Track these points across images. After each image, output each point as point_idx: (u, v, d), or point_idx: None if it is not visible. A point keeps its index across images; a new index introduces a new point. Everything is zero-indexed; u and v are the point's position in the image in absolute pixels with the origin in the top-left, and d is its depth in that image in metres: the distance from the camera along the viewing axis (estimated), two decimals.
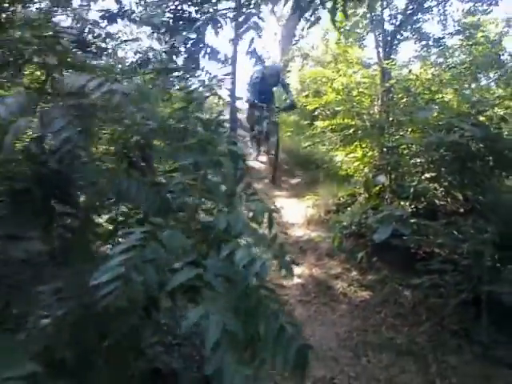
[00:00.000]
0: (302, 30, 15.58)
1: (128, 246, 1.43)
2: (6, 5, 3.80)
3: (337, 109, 7.85)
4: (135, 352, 2.03)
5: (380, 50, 8.51)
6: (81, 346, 1.71)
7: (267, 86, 9.09)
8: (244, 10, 3.07)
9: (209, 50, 4.78)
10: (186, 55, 4.97)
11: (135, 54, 6.65)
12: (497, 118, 5.92)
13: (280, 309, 1.55)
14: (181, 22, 4.89)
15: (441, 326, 4.68)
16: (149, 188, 1.86)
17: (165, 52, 4.75)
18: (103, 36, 4.84)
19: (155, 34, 5.20)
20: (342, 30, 9.83)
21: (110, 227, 2.48)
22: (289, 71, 14.28)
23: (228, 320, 1.37)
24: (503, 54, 8.81)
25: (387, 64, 7.60)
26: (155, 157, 2.14)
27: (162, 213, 1.72)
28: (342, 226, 6.72)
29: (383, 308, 5.09)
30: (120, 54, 6.61)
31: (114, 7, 5.13)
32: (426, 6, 9.30)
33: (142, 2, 5.06)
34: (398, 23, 8.79)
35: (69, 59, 2.07)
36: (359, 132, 7.09)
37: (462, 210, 6.31)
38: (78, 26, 4.22)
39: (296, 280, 5.52)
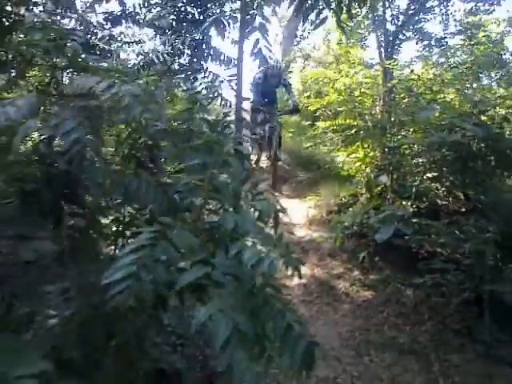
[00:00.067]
0: (303, 30, 15.62)
1: (138, 245, 1.45)
2: (9, 8, 3.83)
3: (339, 109, 7.86)
4: (141, 352, 2.05)
5: (382, 50, 8.53)
6: (88, 346, 1.73)
7: (269, 86, 8.89)
8: (249, 10, 3.08)
9: (212, 51, 4.82)
10: (189, 57, 5.01)
11: (137, 55, 6.68)
12: (499, 118, 5.94)
13: (287, 307, 1.57)
14: (184, 24, 4.92)
15: (443, 325, 4.69)
16: (157, 188, 1.88)
17: (168, 54, 4.77)
18: (107, 38, 4.86)
19: (158, 36, 5.22)
20: (345, 30, 9.83)
21: (115, 228, 2.51)
22: (290, 72, 14.29)
23: (238, 318, 1.39)
24: (505, 54, 8.82)
25: (389, 64, 7.61)
26: (163, 157, 2.17)
27: (171, 213, 1.75)
28: (344, 226, 6.74)
29: (385, 307, 5.11)
30: (122, 55, 6.66)
31: (118, 9, 5.20)
32: (427, 5, 9.31)
33: (146, 4, 5.09)
34: (399, 23, 8.80)
35: (80, 61, 2.09)
36: (361, 132, 7.11)
37: (463, 210, 6.34)
38: (82, 28, 4.25)
39: (298, 280, 5.53)
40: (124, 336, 1.76)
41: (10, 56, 3.37)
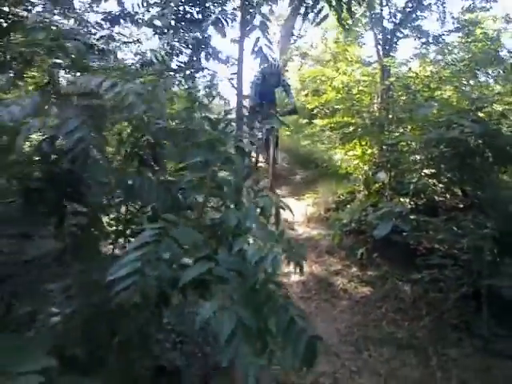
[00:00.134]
0: (300, 29, 15.63)
1: (142, 241, 1.48)
2: (6, 9, 3.84)
3: (336, 107, 7.89)
4: (144, 349, 2.07)
5: (379, 47, 8.56)
6: (91, 344, 1.75)
7: (268, 86, 8.63)
8: (249, 9, 3.10)
9: (211, 50, 4.83)
10: (188, 56, 5.02)
11: (135, 55, 6.70)
12: (496, 115, 5.96)
13: (289, 302, 1.60)
14: (183, 23, 4.93)
15: (441, 319, 4.73)
16: (160, 186, 1.90)
17: (167, 53, 4.78)
18: (106, 38, 4.87)
19: (157, 36, 5.23)
20: (346, 28, 9.84)
21: (116, 227, 2.53)
22: (287, 71, 14.30)
23: (241, 313, 1.41)
24: (502, 51, 8.84)
25: (387, 62, 7.64)
26: (165, 155, 2.19)
27: (175, 210, 1.77)
28: (342, 223, 6.78)
29: (384, 303, 5.15)
30: (119, 55, 6.66)
31: (117, 9, 5.21)
32: (425, 3, 9.33)
33: (144, 4, 5.09)
34: (397, 21, 8.82)
35: (84, 60, 2.11)
36: (359, 130, 7.12)
37: (461, 206, 6.37)
38: (80, 28, 4.26)
39: (296, 277, 5.56)
40: (127, 333, 1.78)
41: (8, 56, 3.39)
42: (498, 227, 4.61)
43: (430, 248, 5.56)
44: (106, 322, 1.71)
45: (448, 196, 6.76)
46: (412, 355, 4.22)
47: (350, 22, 9.35)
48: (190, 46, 4.86)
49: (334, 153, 9.04)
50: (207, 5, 4.89)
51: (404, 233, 5.29)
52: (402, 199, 6.32)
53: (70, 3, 4.62)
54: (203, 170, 1.82)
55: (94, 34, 4.72)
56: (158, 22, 5.04)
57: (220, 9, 4.55)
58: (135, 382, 2.04)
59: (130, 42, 6.38)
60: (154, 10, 5.26)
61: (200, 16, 4.93)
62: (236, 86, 3.11)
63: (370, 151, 7.23)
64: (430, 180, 6.50)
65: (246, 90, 8.43)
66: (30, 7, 4.05)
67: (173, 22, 4.94)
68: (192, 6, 4.95)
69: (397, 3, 8.99)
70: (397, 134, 6.75)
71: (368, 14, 8.96)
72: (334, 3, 3.12)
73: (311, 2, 2.99)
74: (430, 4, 9.54)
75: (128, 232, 2.27)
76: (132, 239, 1.97)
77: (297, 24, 14.96)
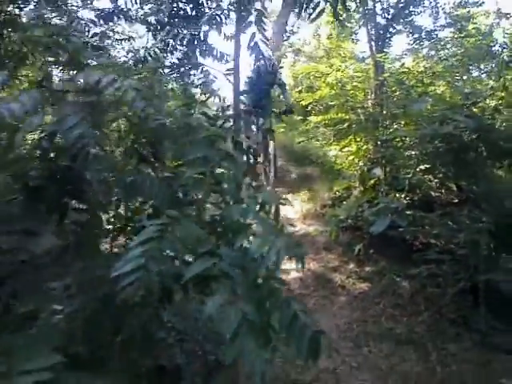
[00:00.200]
0: (293, 25, 15.60)
1: (146, 237, 1.46)
2: None
3: (330, 103, 7.87)
4: (146, 348, 2.06)
5: (373, 43, 8.57)
6: (94, 342, 1.74)
7: (263, 85, 7.64)
8: (245, 4, 3.08)
9: (206, 47, 4.81)
10: (182, 53, 5.00)
11: (127, 53, 6.65)
12: (489, 109, 5.98)
13: (292, 297, 1.59)
14: (176, 20, 4.91)
15: (439, 314, 4.75)
16: (161, 182, 1.89)
17: (161, 50, 4.75)
18: (99, 35, 4.84)
19: (150, 33, 5.20)
20: (336, 24, 9.84)
21: (114, 225, 2.51)
22: (281, 67, 14.26)
23: (246, 308, 1.40)
24: (494, 46, 8.85)
25: (380, 57, 7.64)
26: (164, 152, 2.17)
27: (176, 206, 1.75)
28: (339, 219, 6.80)
29: (382, 299, 5.16)
30: (112, 53, 6.61)
31: (110, 6, 5.17)
32: None
33: (138, 1, 5.06)
34: (390, 17, 8.84)
35: (80, 57, 2.09)
36: (353, 126, 7.13)
37: (456, 201, 6.40)
38: (73, 25, 4.22)
39: (295, 274, 5.57)
40: (130, 331, 1.77)
41: (2, 52, 3.36)
42: (493, 221, 4.63)
43: (427, 243, 5.58)
44: (108, 319, 1.69)
45: (443, 191, 6.80)
46: (411, 350, 4.23)
47: (343, 17, 9.33)
48: (185, 43, 4.83)
49: (329, 149, 9.04)
50: (201, 1, 4.87)
51: (400, 228, 5.29)
52: (397, 195, 6.34)
53: (63, 1, 4.59)
54: (203, 166, 1.81)
55: (88, 32, 4.69)
56: (151, 19, 5.02)
57: (215, 5, 4.52)
58: (136, 381, 2.03)
59: (123, 40, 6.35)
60: (148, 7, 5.24)
61: (194, 13, 4.91)
62: (233, 82, 3.10)
63: (364, 147, 7.25)
64: (425, 175, 6.53)
65: (242, 87, 8.19)
66: (22, 5, 4.01)
67: (166, 19, 4.92)
68: (186, 2, 4.92)
69: None
70: (391, 130, 6.76)
71: (361, 9, 8.95)
72: None
73: None
74: None
75: (128, 229, 2.25)
76: (134, 236, 1.96)
77: (289, 20, 14.92)
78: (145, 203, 2.22)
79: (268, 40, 3.26)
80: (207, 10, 4.89)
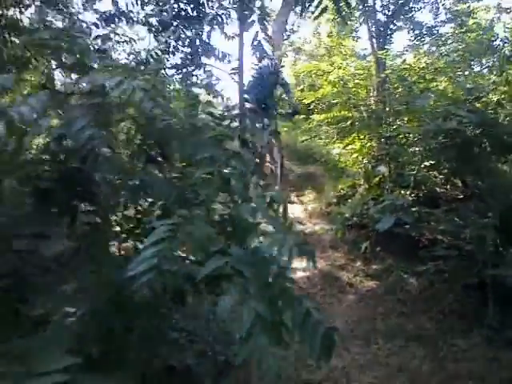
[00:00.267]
0: (293, 24, 15.63)
1: (158, 238, 1.46)
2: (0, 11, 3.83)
3: (333, 101, 7.86)
4: (158, 349, 2.06)
5: (374, 40, 8.57)
6: (106, 343, 1.74)
7: (266, 86, 7.72)
8: (247, 3, 3.08)
9: (208, 47, 4.82)
10: (184, 54, 5.01)
11: (128, 55, 6.66)
12: (492, 104, 5.97)
13: (303, 295, 1.59)
14: (178, 21, 4.91)
15: (448, 310, 4.73)
16: (171, 182, 1.90)
17: (162, 51, 4.76)
18: (101, 37, 4.85)
19: (152, 34, 5.21)
20: (339, 21, 9.84)
21: (121, 226, 2.52)
22: (282, 66, 14.27)
23: (258, 306, 1.40)
24: (495, 40, 8.84)
25: (382, 54, 7.64)
26: (173, 152, 2.16)
27: (185, 206, 1.75)
28: (344, 217, 6.79)
29: (390, 296, 5.15)
30: (113, 55, 6.62)
31: (112, 8, 5.17)
32: None
33: (139, 2, 5.06)
34: (390, 13, 8.83)
35: (86, 60, 2.09)
36: (357, 123, 7.12)
37: (461, 197, 6.39)
38: (76, 27, 4.24)
39: (301, 273, 5.56)
40: (143, 331, 1.77)
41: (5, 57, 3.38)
42: (499, 216, 4.62)
43: (433, 239, 5.57)
44: (120, 320, 1.69)
45: (448, 187, 6.78)
46: (421, 347, 4.21)
47: (346, 13, 9.29)
48: (187, 44, 4.84)
49: (332, 147, 9.04)
50: (202, 1, 4.87)
51: (406, 225, 5.28)
52: (402, 191, 6.33)
53: (65, 4, 4.60)
54: (210, 165, 1.81)
55: (90, 34, 4.70)
56: (153, 20, 5.04)
57: (217, 5, 4.53)
58: (147, 381, 2.03)
59: (124, 42, 6.35)
60: (149, 8, 5.25)
61: (195, 13, 4.91)
62: (237, 81, 3.10)
63: (368, 144, 7.24)
64: (429, 171, 6.52)
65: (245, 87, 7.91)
66: (23, 9, 4.03)
67: (170, 20, 4.92)
68: (187, 3, 4.92)
69: None
70: (395, 127, 6.75)
71: (361, 6, 8.94)
72: None
73: None
74: None
75: (138, 231, 2.26)
76: (143, 238, 1.96)
77: (289, 19, 14.92)
78: (153, 204, 2.22)
79: (270, 38, 3.26)
80: (208, 11, 4.89)
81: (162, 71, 4.74)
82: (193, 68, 4.96)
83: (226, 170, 1.83)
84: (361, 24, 10.19)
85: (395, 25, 9.17)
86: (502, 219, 4.63)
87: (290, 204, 7.58)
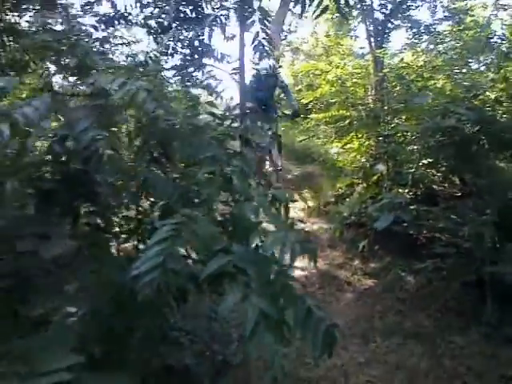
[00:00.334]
0: (290, 24, 15.64)
1: (162, 236, 1.48)
2: None
3: (331, 101, 7.87)
4: (158, 348, 2.08)
5: (372, 39, 8.58)
6: (108, 343, 1.76)
7: (264, 88, 7.67)
8: (248, 4, 3.09)
9: (207, 48, 4.84)
10: (184, 55, 5.02)
11: (126, 57, 6.67)
12: (491, 101, 5.99)
13: (305, 293, 1.61)
14: (177, 22, 4.93)
15: (446, 308, 4.75)
16: (174, 182, 1.91)
17: (161, 53, 4.77)
18: (100, 40, 4.86)
19: (151, 37, 5.21)
20: (339, 19, 9.86)
21: (120, 226, 2.53)
22: (280, 66, 14.29)
23: (262, 304, 1.42)
24: (493, 38, 8.85)
25: (380, 53, 7.66)
26: (176, 152, 2.18)
27: (188, 205, 1.77)
28: (342, 216, 6.81)
29: (388, 294, 5.17)
30: (111, 57, 6.62)
31: (110, 11, 5.18)
32: None
33: (138, 5, 5.07)
34: (388, 12, 8.85)
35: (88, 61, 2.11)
36: (355, 122, 7.14)
37: (459, 194, 6.41)
38: (75, 30, 4.24)
39: (300, 272, 5.58)
40: (146, 331, 1.79)
41: (3, 61, 3.39)
42: (497, 213, 4.63)
43: (431, 237, 5.58)
44: (122, 321, 1.71)
45: (446, 185, 6.80)
46: (419, 344, 4.23)
47: (346, 11, 9.29)
48: (186, 45, 4.85)
49: (331, 147, 9.06)
50: (200, 3, 4.88)
51: (404, 223, 5.30)
52: (400, 190, 6.34)
53: (64, 7, 4.61)
54: (212, 165, 1.83)
55: (90, 36, 4.70)
56: (152, 22, 5.05)
57: (219, 5, 4.54)
58: (147, 381, 2.04)
59: (122, 44, 6.36)
60: (148, 11, 5.26)
61: (194, 14, 4.92)
62: (238, 81, 3.11)
63: (366, 143, 7.26)
64: (428, 170, 6.54)
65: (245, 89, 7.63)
66: (22, 13, 4.03)
67: (166, 23, 4.94)
68: (186, 4, 4.92)
69: None
70: (393, 125, 6.77)
71: (359, 5, 8.95)
72: None
73: None
74: None
75: (139, 231, 2.27)
76: (144, 239, 1.99)
77: (286, 19, 14.92)
78: (154, 205, 2.24)
79: (271, 39, 3.28)
80: (207, 12, 4.92)
81: (162, 73, 4.75)
82: (193, 69, 4.97)
83: (228, 169, 1.85)
84: (359, 23, 10.22)
85: (393, 23, 9.20)
86: (501, 216, 4.65)
87: (292, 203, 7.60)
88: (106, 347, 1.70)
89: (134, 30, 7.76)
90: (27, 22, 3.73)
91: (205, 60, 4.92)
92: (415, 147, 6.35)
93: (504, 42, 8.60)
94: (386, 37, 9.01)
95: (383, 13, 8.88)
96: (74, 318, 1.75)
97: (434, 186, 6.68)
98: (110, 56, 5.99)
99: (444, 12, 10.21)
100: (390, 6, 8.89)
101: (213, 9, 4.72)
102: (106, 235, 2.14)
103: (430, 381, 3.78)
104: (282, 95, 8.56)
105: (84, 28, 4.66)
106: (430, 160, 6.24)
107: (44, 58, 2.50)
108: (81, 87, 2.06)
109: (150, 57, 4.80)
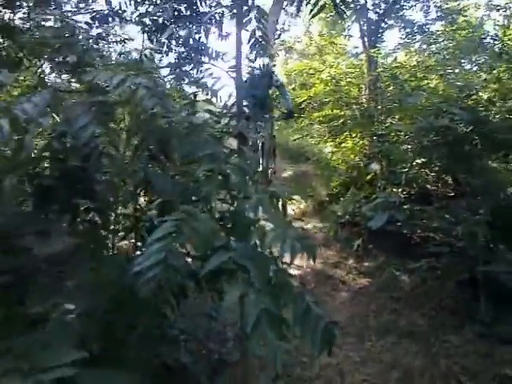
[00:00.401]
0: (284, 23, 15.62)
1: (163, 233, 1.47)
2: None
3: (325, 100, 7.89)
4: (158, 346, 2.07)
5: (365, 39, 8.61)
6: (107, 341, 1.75)
7: (259, 88, 7.36)
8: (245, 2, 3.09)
9: (202, 46, 4.83)
10: (178, 53, 5.01)
11: (120, 55, 6.63)
12: (483, 102, 6.02)
13: (304, 290, 1.61)
14: (173, 20, 4.91)
15: (440, 307, 4.76)
16: (174, 179, 1.91)
17: (156, 51, 4.76)
18: (94, 38, 4.83)
19: (146, 34, 5.18)
20: (329, 20, 9.89)
21: (115, 225, 2.52)
22: (274, 65, 14.29)
23: (263, 300, 1.42)
24: (486, 38, 8.90)
25: (373, 53, 7.68)
26: (175, 149, 2.17)
27: (187, 202, 1.77)
28: (337, 215, 6.82)
29: (383, 293, 5.18)
30: (105, 55, 6.59)
31: (104, 8, 5.16)
32: None
33: (132, 3, 5.05)
34: (381, 12, 8.88)
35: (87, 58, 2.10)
36: (349, 122, 7.16)
37: (452, 194, 6.44)
38: (69, 26, 4.21)
39: (294, 271, 5.59)
40: (145, 328, 1.78)
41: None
42: (490, 213, 4.66)
43: (425, 237, 5.61)
44: (121, 318, 1.70)
45: (440, 184, 6.83)
46: (414, 343, 4.24)
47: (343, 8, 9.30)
48: (180, 43, 4.84)
49: (324, 146, 9.08)
50: (195, 1, 4.87)
51: (398, 223, 5.32)
52: (394, 189, 6.36)
53: (58, 4, 4.59)
54: (211, 162, 1.82)
55: (88, 33, 4.68)
56: (146, 20, 5.03)
57: (214, 3, 4.54)
58: (147, 380, 2.03)
59: (115, 42, 6.32)
60: (143, 8, 5.24)
61: (189, 12, 4.91)
62: (235, 78, 3.10)
63: (360, 143, 7.28)
64: (421, 169, 6.56)
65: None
66: (17, 10, 4.01)
67: (161, 20, 4.93)
68: (181, 2, 4.91)
69: None
70: (387, 125, 6.79)
71: (353, 5, 8.97)
72: None
73: None
74: None
75: (137, 229, 2.26)
76: (142, 236, 1.98)
77: (280, 18, 14.92)
78: (152, 202, 2.23)
79: (267, 36, 3.27)
80: (202, 10, 4.90)
81: (157, 71, 4.72)
82: (190, 67, 4.95)
83: (226, 167, 1.84)
84: (352, 22, 10.25)
85: (386, 23, 9.25)
86: (494, 216, 4.67)
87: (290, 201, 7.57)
88: (105, 344, 1.69)
89: (126, 28, 7.75)
90: (21, 19, 3.71)
91: (200, 58, 4.90)
92: (409, 147, 6.38)
93: (497, 42, 8.64)
94: (380, 36, 9.05)
95: (377, 12, 8.93)
96: (73, 315, 1.74)
97: (428, 186, 6.72)
98: (104, 54, 5.98)
99: (437, 12, 10.27)
100: (383, 6, 8.92)
101: (210, 7, 4.71)
102: (105, 232, 2.14)
103: (425, 379, 3.78)
104: (278, 94, 8.31)
105: (78, 25, 4.63)
106: (424, 159, 6.27)
107: (39, 55, 2.48)
108: (76, 84, 2.05)
109: (145, 54, 4.77)
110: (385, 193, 6.14)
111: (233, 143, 2.13)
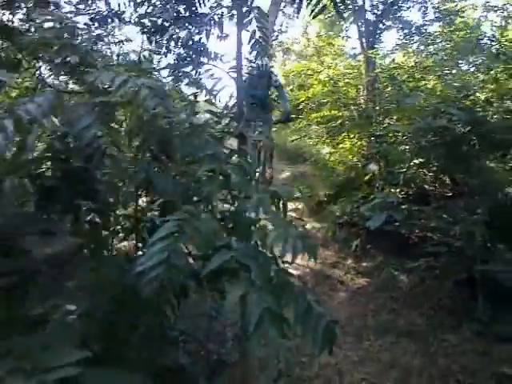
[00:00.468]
0: (282, 24, 15.62)
1: (166, 233, 1.49)
2: None
3: (323, 101, 7.90)
4: (159, 347, 2.08)
5: (363, 40, 8.63)
6: (109, 341, 1.76)
7: (257, 89, 7.24)
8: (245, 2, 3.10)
9: (201, 48, 4.84)
10: (176, 54, 5.02)
11: (118, 56, 6.62)
12: (481, 102, 6.04)
13: (305, 288, 1.62)
14: (172, 21, 4.92)
15: (438, 306, 4.78)
16: (175, 179, 1.92)
17: (155, 52, 4.77)
18: (93, 39, 4.83)
19: (145, 36, 5.19)
20: (328, 20, 9.91)
21: (115, 225, 2.53)
22: (273, 66, 14.29)
23: (266, 298, 1.43)
24: (483, 39, 8.92)
25: (371, 53, 7.70)
26: (177, 149, 2.18)
27: (189, 202, 1.78)
28: (335, 216, 6.83)
29: (381, 293, 5.19)
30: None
31: (103, 9, 5.16)
32: None
33: (131, 3, 5.05)
34: (379, 13, 8.90)
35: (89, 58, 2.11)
36: (347, 123, 7.17)
37: (450, 194, 6.45)
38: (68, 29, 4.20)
39: (293, 271, 5.59)
40: (148, 328, 1.79)
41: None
42: (488, 213, 4.68)
43: (423, 237, 5.62)
44: (123, 319, 1.71)
45: (437, 185, 6.85)
46: (412, 343, 4.26)
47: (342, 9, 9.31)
48: (180, 44, 4.85)
49: (322, 147, 9.09)
50: (194, 1, 4.87)
51: (396, 223, 5.33)
52: (392, 189, 6.37)
53: (57, 5, 4.58)
54: (212, 162, 1.84)
55: (90, 33, 4.67)
56: (145, 21, 5.03)
57: (215, 4, 4.55)
58: (149, 380, 2.04)
59: (114, 43, 6.31)
60: (142, 10, 5.24)
61: (188, 13, 4.92)
62: (235, 78, 3.11)
63: (358, 143, 7.29)
64: (419, 169, 6.58)
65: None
66: (16, 11, 4.00)
67: (160, 21, 4.93)
68: (180, 3, 4.91)
69: None
70: (385, 125, 6.80)
71: (351, 6, 8.99)
72: None
73: None
74: None
75: (138, 229, 2.27)
76: (143, 236, 1.99)
77: (277, 19, 14.92)
78: (153, 203, 2.24)
79: (267, 37, 3.28)
80: (201, 10, 4.91)
81: (156, 72, 4.73)
82: (190, 68, 4.96)
83: (227, 167, 1.86)
84: (350, 23, 10.27)
85: (384, 24, 9.27)
86: (491, 216, 4.69)
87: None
88: (106, 345, 1.70)
89: (125, 29, 7.75)
90: (20, 20, 3.71)
91: (200, 59, 4.90)
92: (407, 147, 6.39)
93: (494, 43, 8.66)
94: (378, 37, 9.07)
95: (375, 13, 8.93)
96: (74, 316, 1.75)
97: (426, 186, 6.73)
98: (106, 54, 5.97)
99: (435, 13, 10.29)
100: (381, 7, 8.94)
101: (210, 7, 4.72)
102: (106, 232, 2.14)
103: (424, 379, 3.80)
104: (276, 94, 8.19)
105: (78, 26, 4.62)
106: (422, 160, 6.28)
107: (38, 56, 2.49)
108: (75, 85, 2.06)
109: (144, 55, 4.79)
110: (383, 193, 6.15)
111: (233, 143, 2.14)
